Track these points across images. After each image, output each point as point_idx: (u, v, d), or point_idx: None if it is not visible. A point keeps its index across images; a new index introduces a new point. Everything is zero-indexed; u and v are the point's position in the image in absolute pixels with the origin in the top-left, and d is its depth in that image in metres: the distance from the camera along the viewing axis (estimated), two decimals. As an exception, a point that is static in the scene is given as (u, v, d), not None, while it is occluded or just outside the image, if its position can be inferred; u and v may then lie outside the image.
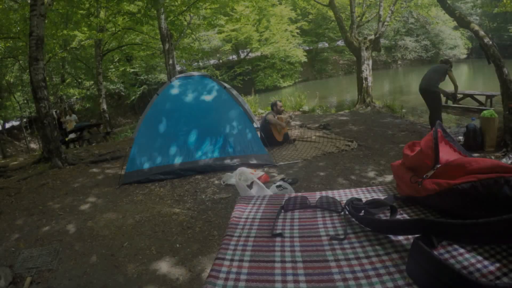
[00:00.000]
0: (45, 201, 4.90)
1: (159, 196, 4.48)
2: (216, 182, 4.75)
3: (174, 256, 3.01)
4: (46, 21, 7.92)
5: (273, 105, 6.98)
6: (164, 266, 2.88)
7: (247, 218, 1.14)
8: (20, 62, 16.24)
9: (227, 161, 5.16)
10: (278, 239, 0.95)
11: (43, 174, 6.47)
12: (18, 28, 12.58)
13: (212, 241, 3.19)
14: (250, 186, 3.96)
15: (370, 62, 11.10)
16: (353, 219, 1.03)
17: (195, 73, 6.04)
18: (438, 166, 1.03)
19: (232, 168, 4.92)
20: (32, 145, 19.93)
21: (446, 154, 1.08)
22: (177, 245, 3.18)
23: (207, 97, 5.64)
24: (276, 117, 6.59)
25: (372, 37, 11.22)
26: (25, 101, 20.48)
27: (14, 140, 21.65)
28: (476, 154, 4.89)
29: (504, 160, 4.72)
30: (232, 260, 0.87)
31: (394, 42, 31.55)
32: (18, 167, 7.72)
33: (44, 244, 3.61)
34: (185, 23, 14.48)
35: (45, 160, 7.27)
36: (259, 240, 0.96)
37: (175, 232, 3.44)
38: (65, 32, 13.20)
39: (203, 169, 5.14)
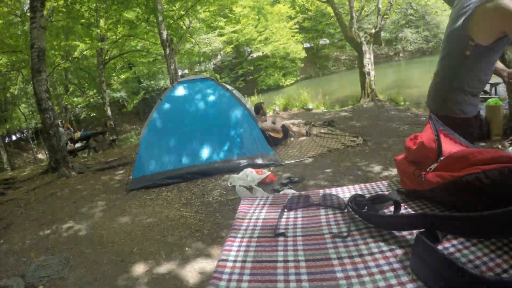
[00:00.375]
0: (54, 211, 4.93)
1: (166, 201, 4.49)
2: (223, 184, 4.74)
3: (183, 259, 3.01)
4: (46, 33, 7.93)
5: (259, 109, 6.94)
6: (174, 270, 2.88)
7: (250, 219, 1.13)
8: (23, 74, 16.43)
9: (233, 163, 5.16)
10: (281, 238, 0.95)
11: (51, 184, 6.52)
12: (20, 41, 12.69)
13: (221, 242, 3.19)
14: (251, 189, 3.99)
15: (372, 56, 11.04)
16: (357, 216, 1.02)
17: (197, 77, 6.04)
18: (442, 158, 1.02)
19: (238, 170, 4.92)
20: (40, 156, 20.16)
21: (448, 146, 1.07)
22: (186, 248, 3.18)
23: (210, 100, 5.64)
24: (264, 119, 6.63)
25: (372, 31, 11.17)
26: (30, 112, 21.03)
27: (21, 152, 22.03)
28: (482, 144, 4.85)
29: (511, 149, 4.67)
30: (235, 261, 0.87)
31: (394, 35, 31.40)
32: (26, 178, 7.79)
33: (55, 252, 3.64)
34: (184, 27, 14.53)
35: (52, 170, 7.32)
36: (262, 240, 0.96)
37: (184, 236, 3.45)
38: (66, 43, 13.32)
39: (209, 172, 5.14)
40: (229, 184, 4.60)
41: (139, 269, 3.00)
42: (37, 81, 6.75)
